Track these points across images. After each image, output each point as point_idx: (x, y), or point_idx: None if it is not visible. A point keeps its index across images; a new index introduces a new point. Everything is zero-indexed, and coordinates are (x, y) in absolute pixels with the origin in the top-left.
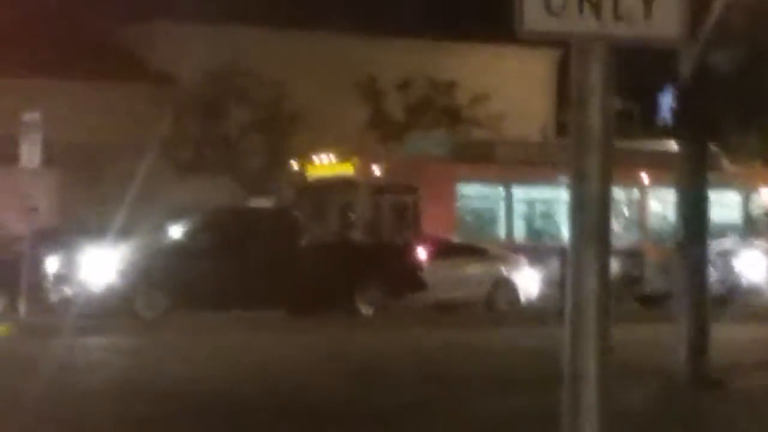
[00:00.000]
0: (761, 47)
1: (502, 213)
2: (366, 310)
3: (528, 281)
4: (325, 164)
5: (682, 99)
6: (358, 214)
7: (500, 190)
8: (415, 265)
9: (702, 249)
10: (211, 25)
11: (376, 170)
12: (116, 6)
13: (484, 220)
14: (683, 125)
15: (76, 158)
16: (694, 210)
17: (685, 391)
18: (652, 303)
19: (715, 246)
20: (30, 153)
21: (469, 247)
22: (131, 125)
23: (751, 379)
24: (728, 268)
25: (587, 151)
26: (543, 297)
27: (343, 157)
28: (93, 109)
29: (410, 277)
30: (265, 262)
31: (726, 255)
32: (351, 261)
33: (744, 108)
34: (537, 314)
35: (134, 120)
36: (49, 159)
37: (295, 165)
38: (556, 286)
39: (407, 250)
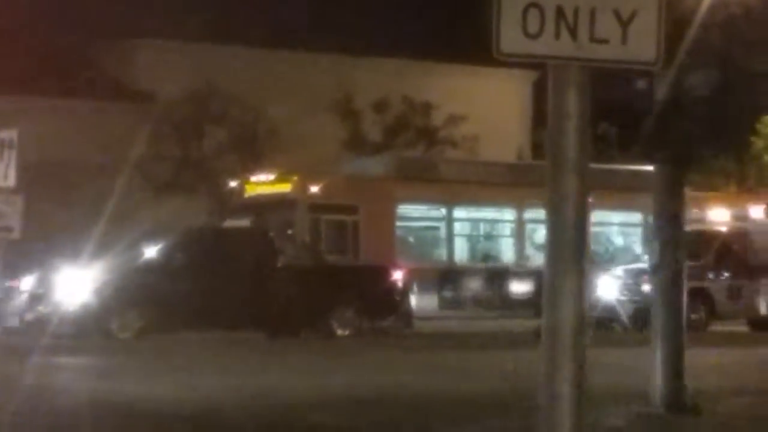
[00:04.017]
0: (736, 68)
1: (443, 234)
2: (342, 331)
3: None
4: (263, 182)
5: (659, 122)
6: (295, 233)
7: (442, 211)
8: (392, 289)
9: (678, 272)
10: (188, 44)
11: (314, 189)
12: (92, 23)
13: (425, 241)
14: (660, 148)
15: (48, 177)
16: (669, 233)
17: (661, 415)
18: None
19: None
20: (5, 172)
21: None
22: (107, 144)
23: (728, 405)
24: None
25: (564, 174)
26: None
27: (281, 176)
28: (66, 127)
29: (386, 300)
30: (241, 283)
31: None
32: (328, 283)
33: (721, 131)
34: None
35: (110, 139)
36: (20, 178)
37: (233, 183)
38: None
39: (384, 273)
